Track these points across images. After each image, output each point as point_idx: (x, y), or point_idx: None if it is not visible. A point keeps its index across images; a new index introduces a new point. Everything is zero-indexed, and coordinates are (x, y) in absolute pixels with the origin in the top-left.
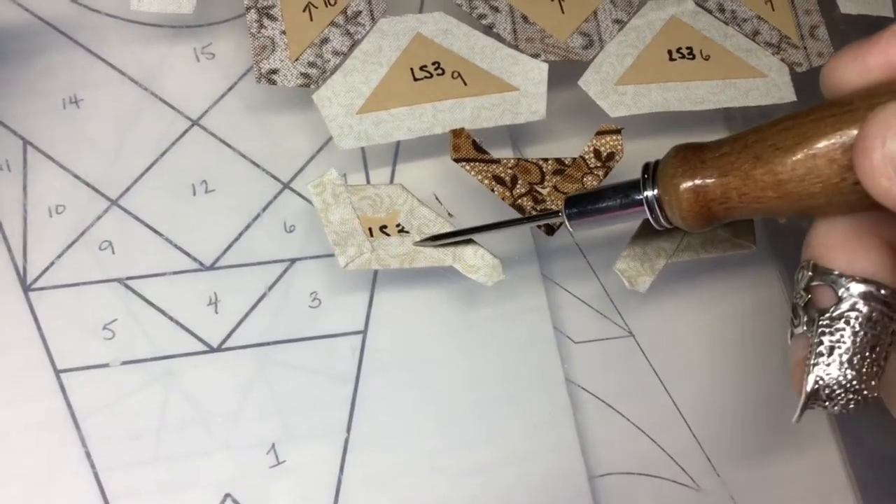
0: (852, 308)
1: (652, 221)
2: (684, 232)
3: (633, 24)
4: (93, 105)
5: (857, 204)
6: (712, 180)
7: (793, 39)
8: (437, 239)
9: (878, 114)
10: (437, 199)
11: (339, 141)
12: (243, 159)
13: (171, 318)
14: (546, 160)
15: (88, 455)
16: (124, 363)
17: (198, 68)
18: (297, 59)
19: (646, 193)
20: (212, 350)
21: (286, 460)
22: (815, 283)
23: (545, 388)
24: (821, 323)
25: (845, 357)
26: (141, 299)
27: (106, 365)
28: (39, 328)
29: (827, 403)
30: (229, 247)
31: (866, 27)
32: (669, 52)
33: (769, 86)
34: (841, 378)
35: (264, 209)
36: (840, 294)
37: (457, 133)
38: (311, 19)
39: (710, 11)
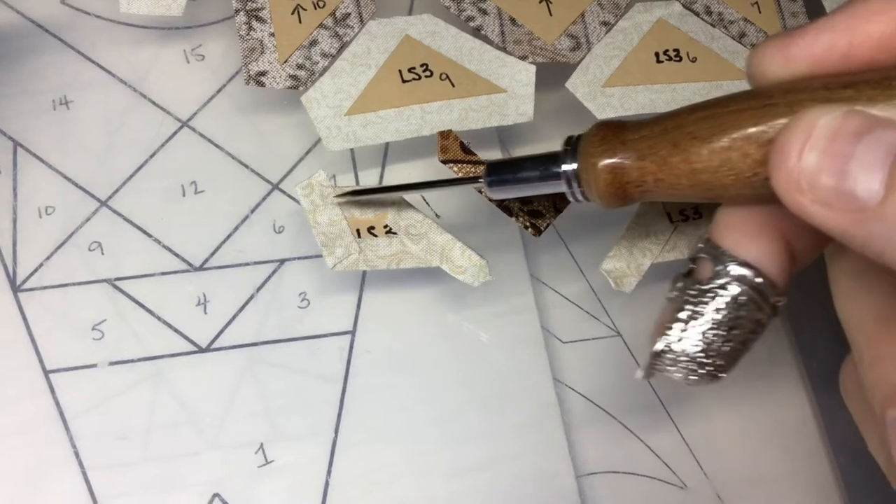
0: (723, 287)
1: (568, 196)
2: (670, 233)
3: (620, 26)
4: (83, 106)
5: (766, 197)
6: (630, 162)
7: None
8: (357, 193)
9: (796, 122)
10: (424, 200)
11: (328, 142)
12: (233, 160)
13: (159, 319)
14: None
15: (77, 455)
16: (113, 363)
17: (187, 70)
18: (285, 62)
19: (563, 168)
20: (200, 350)
21: (274, 460)
22: (700, 256)
23: (533, 388)
24: (689, 292)
25: (700, 329)
26: (130, 300)
27: (95, 365)
28: (28, 329)
29: (671, 368)
30: (218, 247)
31: None
32: (657, 54)
33: None
34: (689, 348)
35: (253, 210)
36: (717, 269)
37: (444, 135)
38: (300, 21)
39: (697, 14)
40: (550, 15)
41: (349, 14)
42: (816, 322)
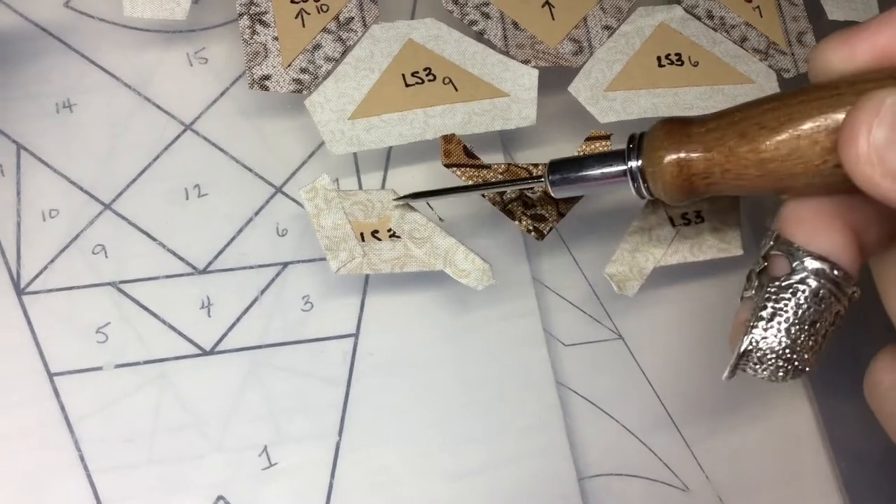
0: (802, 281)
1: (633, 192)
2: (672, 237)
3: (622, 30)
4: (86, 109)
5: (834, 186)
6: (696, 154)
7: (780, 46)
8: (417, 196)
9: (865, 101)
10: (428, 204)
11: (331, 146)
12: (236, 164)
13: (163, 322)
14: (536, 165)
15: (82, 458)
16: (117, 366)
17: (191, 73)
18: (289, 65)
19: (630, 164)
20: (204, 353)
21: (278, 463)
22: (773, 253)
23: (535, 391)
24: (769, 289)
25: (784, 325)
26: (134, 303)
27: (99, 368)
28: (33, 332)
29: (758, 367)
30: (222, 251)
31: None
32: (658, 59)
33: (757, 92)
34: (775, 344)
35: (257, 213)
36: (794, 266)
37: (448, 139)
38: (304, 25)
39: (698, 18)
40: (553, 19)
41: (352, 18)
42: None
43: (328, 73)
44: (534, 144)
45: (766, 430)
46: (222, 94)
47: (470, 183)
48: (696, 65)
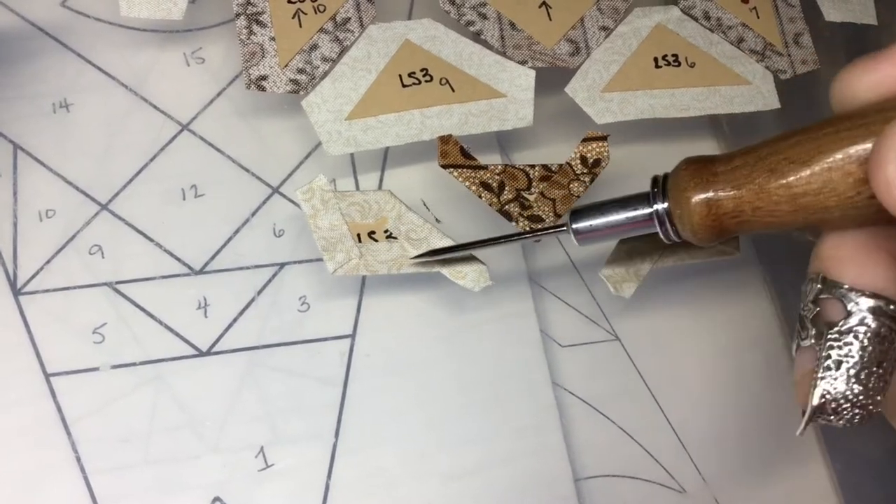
0: (861, 322)
1: (661, 235)
2: None
3: (619, 31)
4: (83, 109)
5: (870, 218)
6: (725, 193)
7: (777, 47)
8: (435, 254)
9: (893, 127)
10: (424, 204)
11: (328, 147)
12: (233, 164)
13: (160, 322)
14: (533, 166)
15: (78, 458)
16: (114, 367)
17: (187, 73)
18: (286, 66)
19: (655, 207)
20: (201, 354)
21: (275, 464)
22: (823, 297)
23: (532, 392)
24: (829, 336)
25: (853, 371)
26: (130, 303)
27: (96, 369)
28: (29, 332)
29: (832, 417)
30: (218, 251)
31: (850, 35)
32: (655, 60)
33: (753, 93)
34: (848, 392)
35: (253, 214)
36: (849, 308)
37: (445, 139)
38: (301, 26)
39: (695, 19)
40: (550, 20)
41: (349, 18)
42: None
43: (325, 74)
44: (531, 145)
45: (763, 431)
46: (219, 94)
47: (472, 188)
48: (692, 66)
